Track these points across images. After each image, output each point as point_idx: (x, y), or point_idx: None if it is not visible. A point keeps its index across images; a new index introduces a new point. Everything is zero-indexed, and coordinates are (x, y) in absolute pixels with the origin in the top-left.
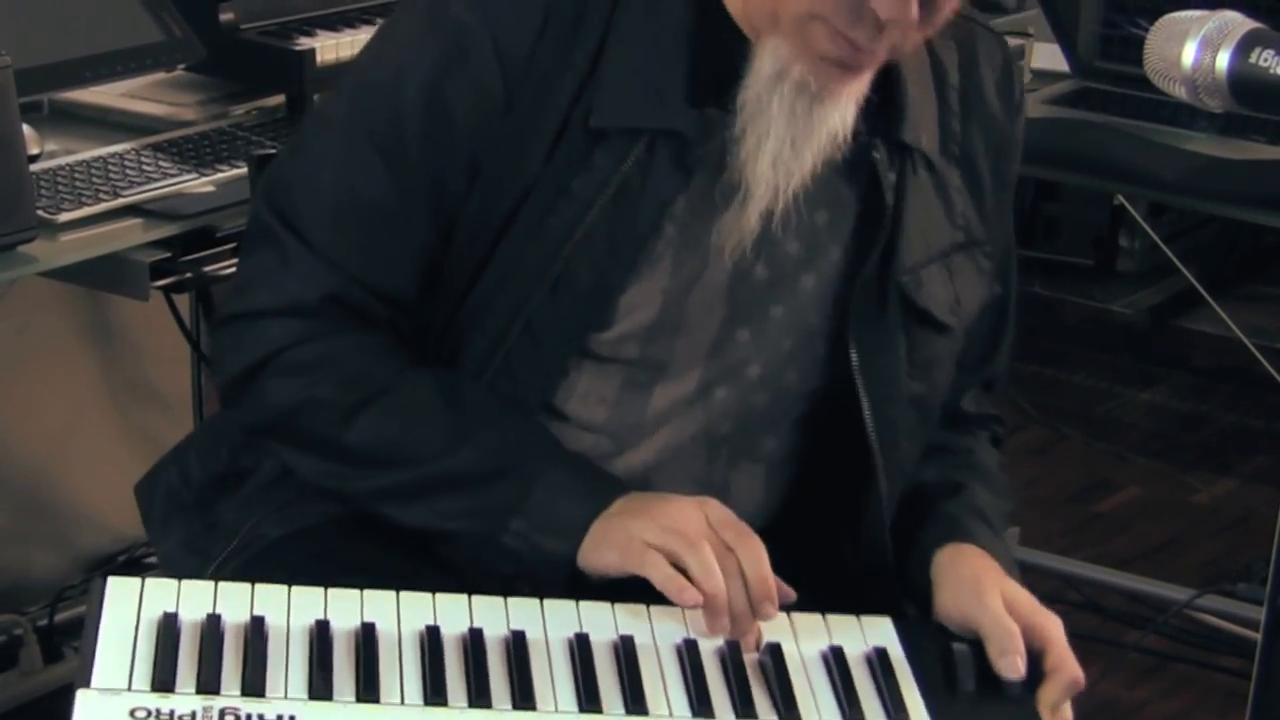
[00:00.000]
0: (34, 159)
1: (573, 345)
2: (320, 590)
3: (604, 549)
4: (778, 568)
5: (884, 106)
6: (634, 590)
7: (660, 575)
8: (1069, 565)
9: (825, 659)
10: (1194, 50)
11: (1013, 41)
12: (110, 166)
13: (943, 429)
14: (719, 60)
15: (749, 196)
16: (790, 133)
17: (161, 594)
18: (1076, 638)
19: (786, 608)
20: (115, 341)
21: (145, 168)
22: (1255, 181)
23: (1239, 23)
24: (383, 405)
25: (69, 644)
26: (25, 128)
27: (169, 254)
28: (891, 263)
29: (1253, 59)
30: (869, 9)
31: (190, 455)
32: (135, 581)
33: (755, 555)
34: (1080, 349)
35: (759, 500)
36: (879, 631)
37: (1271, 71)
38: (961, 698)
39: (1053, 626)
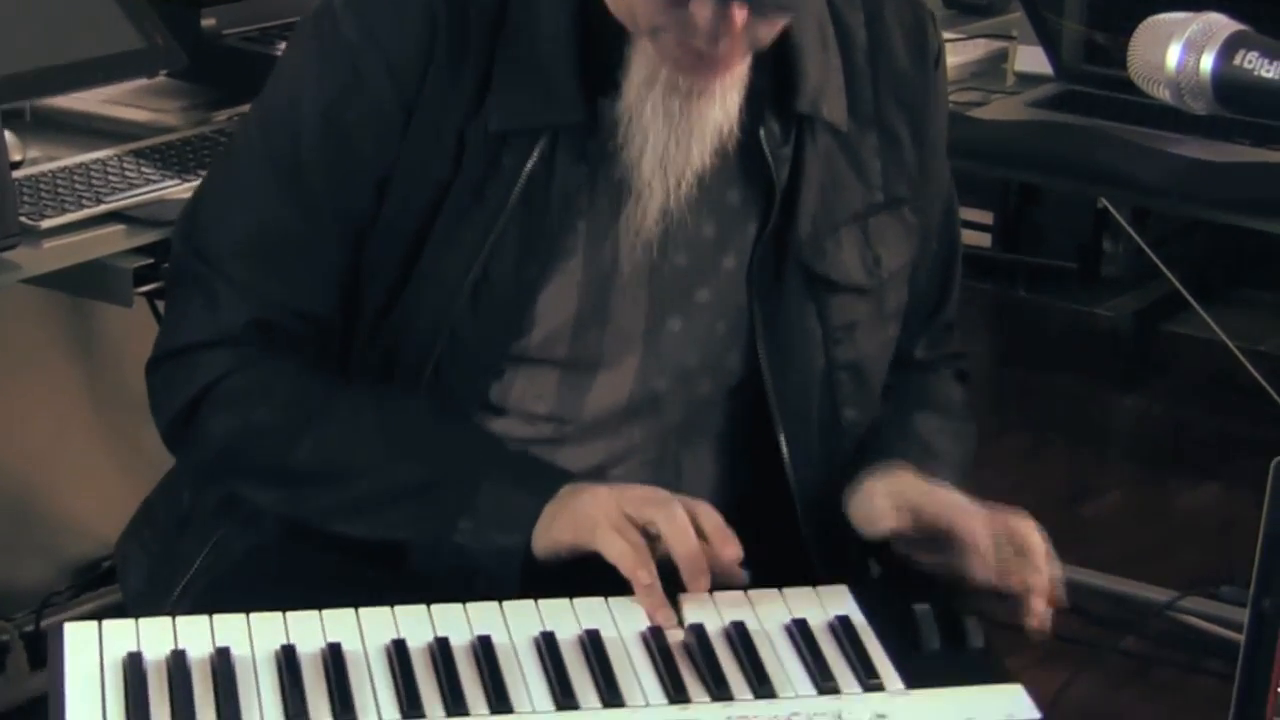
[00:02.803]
0: (16, 166)
1: (500, 350)
2: (279, 615)
3: (556, 528)
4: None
5: (780, 77)
6: (589, 578)
7: (615, 550)
8: None
9: (790, 631)
10: (1178, 53)
11: (995, 44)
12: (93, 173)
13: (899, 373)
14: (606, 51)
15: (642, 199)
16: (672, 133)
17: (121, 635)
18: (1060, 640)
19: (743, 585)
20: (99, 348)
21: (128, 174)
22: (1240, 185)
23: (1223, 25)
24: (323, 424)
25: None
26: (7, 134)
27: (152, 260)
28: (790, 234)
29: (1237, 61)
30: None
31: (155, 504)
32: (92, 625)
33: (709, 512)
34: (1064, 354)
35: (715, 483)
36: (838, 600)
37: (1256, 74)
38: (927, 656)
39: (957, 511)
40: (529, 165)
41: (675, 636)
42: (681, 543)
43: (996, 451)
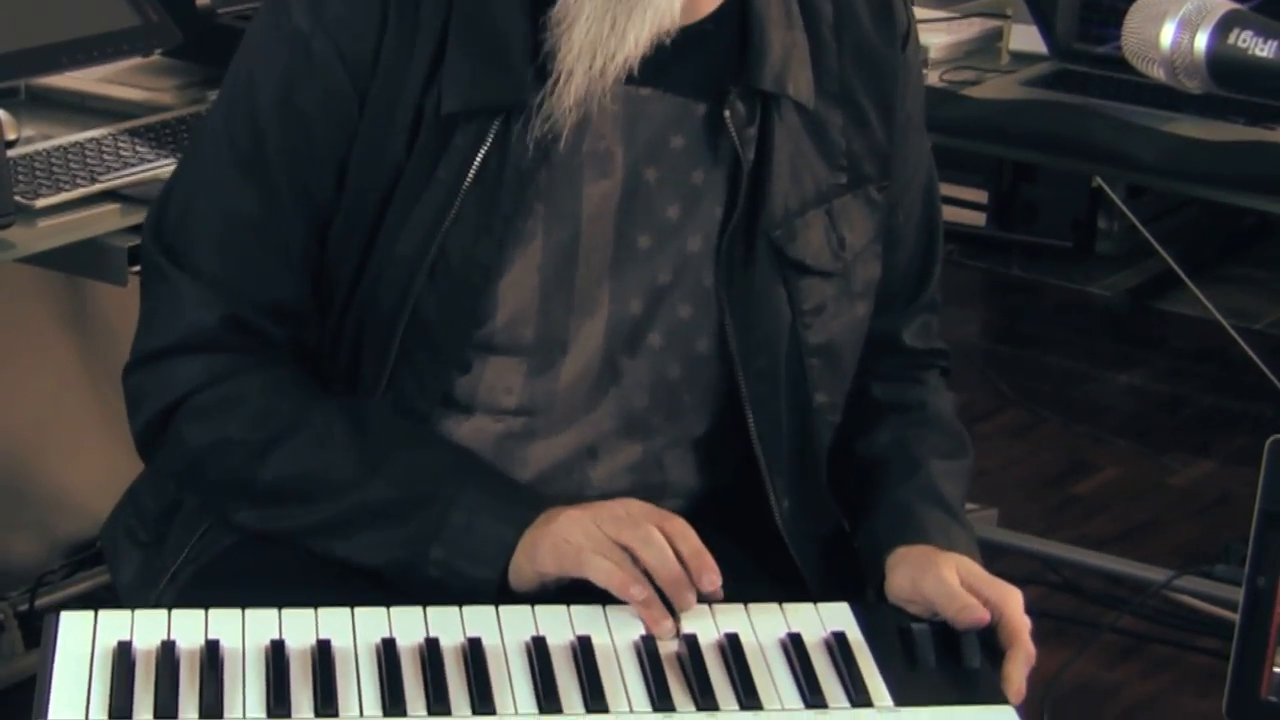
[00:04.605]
0: (11, 144)
1: (464, 336)
2: (274, 611)
3: (538, 557)
4: (722, 555)
5: (743, 54)
6: (569, 599)
7: (603, 573)
8: (1047, 547)
9: (784, 646)
10: (1172, 31)
11: (990, 23)
12: (88, 152)
13: (891, 378)
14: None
15: (559, 83)
16: (608, 11)
17: (115, 625)
18: (1054, 619)
19: (742, 598)
20: (93, 327)
21: (123, 153)
22: (1234, 163)
23: (1217, 3)
24: (293, 440)
25: None
26: (2, 113)
27: None
28: (760, 215)
29: (1231, 40)
30: None
31: (142, 493)
32: (88, 615)
33: (684, 531)
34: (1059, 331)
35: (694, 482)
36: (837, 616)
37: (1250, 52)
38: (923, 675)
39: (1009, 598)
40: (484, 147)
41: (668, 646)
42: (662, 565)
43: (990, 429)
